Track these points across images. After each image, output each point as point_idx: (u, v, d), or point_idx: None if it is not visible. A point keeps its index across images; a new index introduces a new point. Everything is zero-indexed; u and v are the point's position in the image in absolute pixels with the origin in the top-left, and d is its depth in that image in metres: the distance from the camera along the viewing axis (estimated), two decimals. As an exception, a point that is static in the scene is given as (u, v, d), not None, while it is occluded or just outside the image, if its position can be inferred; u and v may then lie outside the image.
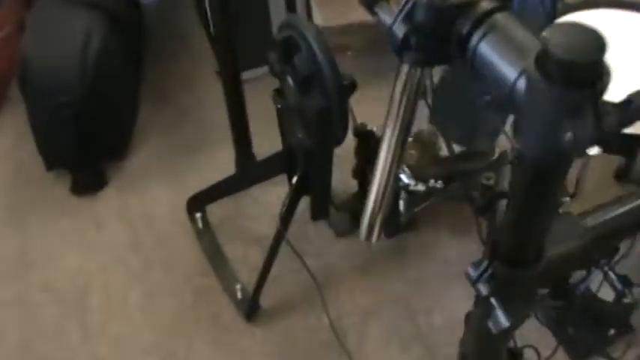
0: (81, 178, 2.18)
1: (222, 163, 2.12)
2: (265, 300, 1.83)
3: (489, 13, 0.70)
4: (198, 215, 2.01)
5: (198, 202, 2.03)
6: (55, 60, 2.03)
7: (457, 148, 1.79)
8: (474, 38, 0.71)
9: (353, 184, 1.93)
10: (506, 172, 1.74)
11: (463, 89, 1.29)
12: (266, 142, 1.95)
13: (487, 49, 0.70)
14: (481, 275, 0.81)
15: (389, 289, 1.88)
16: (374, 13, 0.84)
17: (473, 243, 1.68)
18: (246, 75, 2.07)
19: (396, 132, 0.90)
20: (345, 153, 1.73)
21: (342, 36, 2.33)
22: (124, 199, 2.16)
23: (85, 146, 2.13)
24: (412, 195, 1.79)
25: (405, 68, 0.84)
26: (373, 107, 1.89)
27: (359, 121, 1.78)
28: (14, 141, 2.33)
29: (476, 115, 1.70)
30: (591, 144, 0.61)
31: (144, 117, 2.38)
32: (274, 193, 2.03)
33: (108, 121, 2.17)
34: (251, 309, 1.81)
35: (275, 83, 1.57)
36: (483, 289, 0.81)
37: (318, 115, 1.45)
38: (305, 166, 1.66)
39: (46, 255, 2.03)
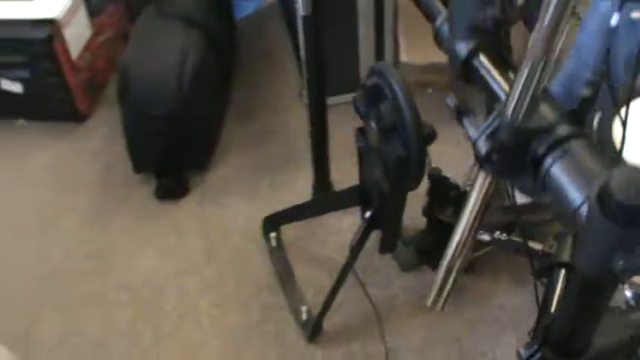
0: (165, 184, 2.30)
1: (300, 186, 2.22)
2: (328, 323, 1.91)
3: (565, 139, 0.78)
4: (272, 235, 2.11)
5: (273, 222, 2.13)
6: (154, 73, 2.16)
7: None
8: (548, 161, 0.78)
9: (422, 221, 1.99)
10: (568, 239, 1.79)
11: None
12: (345, 168, 2.03)
13: (558, 172, 0.78)
14: (531, 357, 0.88)
15: (445, 328, 1.94)
16: (462, 124, 0.92)
17: (530, 294, 1.72)
18: (333, 100, 2.15)
19: (469, 225, 0.98)
20: (417, 190, 1.80)
21: (424, 74, 2.41)
22: (204, 209, 2.27)
23: (172, 154, 2.26)
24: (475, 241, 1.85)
25: (484, 175, 0.92)
26: (449, 147, 1.97)
27: (434, 159, 1.84)
28: (105, 141, 2.47)
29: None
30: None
31: (229, 132, 2.49)
32: (347, 220, 2.12)
33: (195, 133, 2.29)
34: (314, 331, 1.89)
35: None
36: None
37: (396, 163, 1.53)
38: (378, 204, 1.74)
39: (126, 255, 2.16)
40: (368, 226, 1.81)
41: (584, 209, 0.72)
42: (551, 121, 0.81)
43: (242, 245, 2.15)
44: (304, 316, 1.93)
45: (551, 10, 0.75)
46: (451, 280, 1.08)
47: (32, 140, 2.55)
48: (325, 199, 2.14)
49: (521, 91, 0.80)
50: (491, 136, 0.84)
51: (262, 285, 2.04)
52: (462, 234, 1.01)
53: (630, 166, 0.69)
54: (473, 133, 0.88)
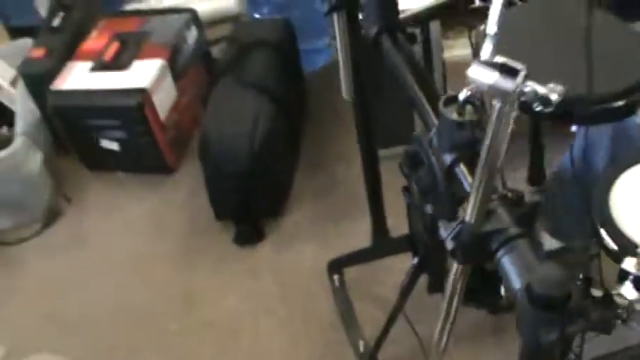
0: (243, 231, 2.58)
1: (363, 232, 2.46)
2: (383, 356, 2.13)
3: (514, 238, 1.02)
4: (336, 276, 2.37)
5: (337, 265, 2.38)
6: (229, 137, 2.46)
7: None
8: (499, 253, 1.02)
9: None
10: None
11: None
12: (402, 215, 2.25)
13: (506, 263, 1.01)
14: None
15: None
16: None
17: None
18: (390, 152, 2.40)
19: (453, 302, 1.22)
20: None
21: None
22: (278, 254, 2.55)
23: (248, 205, 2.54)
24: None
25: (455, 264, 1.16)
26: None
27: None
28: (189, 193, 2.77)
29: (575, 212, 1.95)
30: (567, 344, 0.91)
31: (300, 182, 2.77)
32: (403, 263, 2.35)
33: (268, 185, 2.57)
34: (370, 362, 2.14)
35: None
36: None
37: (432, 220, 1.76)
38: (423, 252, 1.97)
39: (208, 296, 2.45)
40: (415, 271, 2.04)
41: (521, 294, 0.95)
42: (504, 223, 1.05)
43: (310, 286, 2.41)
44: (362, 349, 2.17)
45: (494, 124, 0.96)
46: (442, 345, 1.32)
47: (129, 192, 2.89)
48: (382, 245, 2.37)
49: (475, 200, 1.05)
50: (456, 237, 1.10)
51: (326, 323, 2.29)
52: (447, 309, 1.25)
53: (549, 264, 0.92)
54: (443, 233, 1.13)
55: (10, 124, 2.81)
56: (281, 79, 2.69)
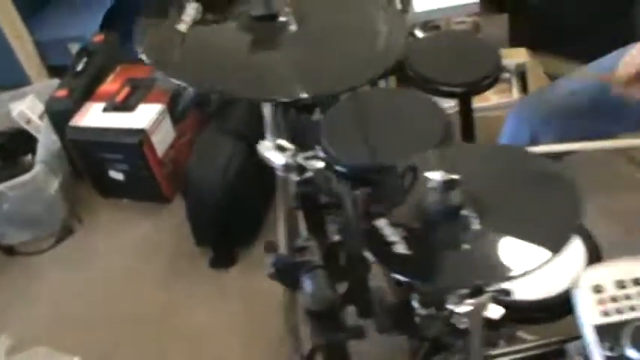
0: (218, 256, 3.00)
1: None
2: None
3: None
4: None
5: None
6: (206, 173, 2.89)
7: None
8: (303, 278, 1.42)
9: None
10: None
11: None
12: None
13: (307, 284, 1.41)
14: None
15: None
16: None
17: None
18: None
19: None
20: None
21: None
22: (246, 278, 2.95)
23: (223, 233, 2.96)
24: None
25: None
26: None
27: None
28: (180, 221, 3.18)
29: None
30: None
31: (273, 214, 3.17)
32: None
33: (242, 216, 2.99)
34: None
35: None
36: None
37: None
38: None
39: (182, 311, 2.87)
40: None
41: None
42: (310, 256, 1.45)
43: (273, 306, 2.79)
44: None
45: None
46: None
47: (130, 217, 3.34)
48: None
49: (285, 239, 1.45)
50: (274, 264, 1.50)
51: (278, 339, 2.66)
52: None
53: (318, 288, 1.31)
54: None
55: (35, 152, 3.29)
56: (258, 125, 3.11)
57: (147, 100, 3.25)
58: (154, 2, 1.37)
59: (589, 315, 1.44)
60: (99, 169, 3.32)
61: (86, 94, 3.37)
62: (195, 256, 3.06)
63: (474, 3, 3.21)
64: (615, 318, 1.41)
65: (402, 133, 1.74)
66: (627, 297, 1.45)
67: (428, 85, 2.23)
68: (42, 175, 3.18)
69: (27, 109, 3.37)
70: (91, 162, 3.33)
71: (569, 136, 2.08)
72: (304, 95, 1.19)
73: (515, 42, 3.52)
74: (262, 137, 3.14)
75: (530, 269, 1.12)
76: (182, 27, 1.16)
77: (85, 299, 3.01)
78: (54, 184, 3.26)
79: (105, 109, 3.27)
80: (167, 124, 3.25)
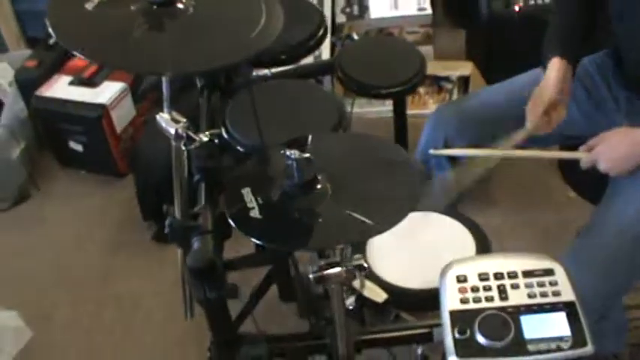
0: (160, 230, 3.18)
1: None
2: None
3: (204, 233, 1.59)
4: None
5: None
6: (153, 153, 3.04)
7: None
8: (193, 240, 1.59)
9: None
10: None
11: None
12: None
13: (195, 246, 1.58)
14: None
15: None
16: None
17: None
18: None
19: None
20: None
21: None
22: (184, 251, 3.14)
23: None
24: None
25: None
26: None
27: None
28: (131, 195, 3.37)
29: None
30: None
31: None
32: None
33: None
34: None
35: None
36: None
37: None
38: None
39: (122, 275, 3.06)
40: (266, 279, 2.61)
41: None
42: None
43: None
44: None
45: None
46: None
47: (86, 187, 3.50)
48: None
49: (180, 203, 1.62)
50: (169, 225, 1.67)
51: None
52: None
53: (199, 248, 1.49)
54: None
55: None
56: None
57: (112, 78, 3.42)
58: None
59: (448, 301, 1.55)
60: (60, 140, 3.49)
61: (55, 66, 3.53)
62: (140, 229, 3.23)
63: (427, 15, 3.41)
64: (471, 306, 1.53)
65: (298, 119, 1.99)
66: (486, 288, 1.58)
67: (354, 86, 2.43)
68: (3, 139, 3.36)
69: (-2, 75, 3.55)
70: (52, 132, 3.49)
71: (479, 142, 2.28)
72: (168, 73, 1.44)
73: (470, 57, 3.71)
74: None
75: (365, 239, 1.30)
76: (89, 6, 1.34)
77: (31, 260, 3.18)
78: (15, 150, 3.43)
79: (71, 83, 3.43)
80: (128, 102, 3.42)
